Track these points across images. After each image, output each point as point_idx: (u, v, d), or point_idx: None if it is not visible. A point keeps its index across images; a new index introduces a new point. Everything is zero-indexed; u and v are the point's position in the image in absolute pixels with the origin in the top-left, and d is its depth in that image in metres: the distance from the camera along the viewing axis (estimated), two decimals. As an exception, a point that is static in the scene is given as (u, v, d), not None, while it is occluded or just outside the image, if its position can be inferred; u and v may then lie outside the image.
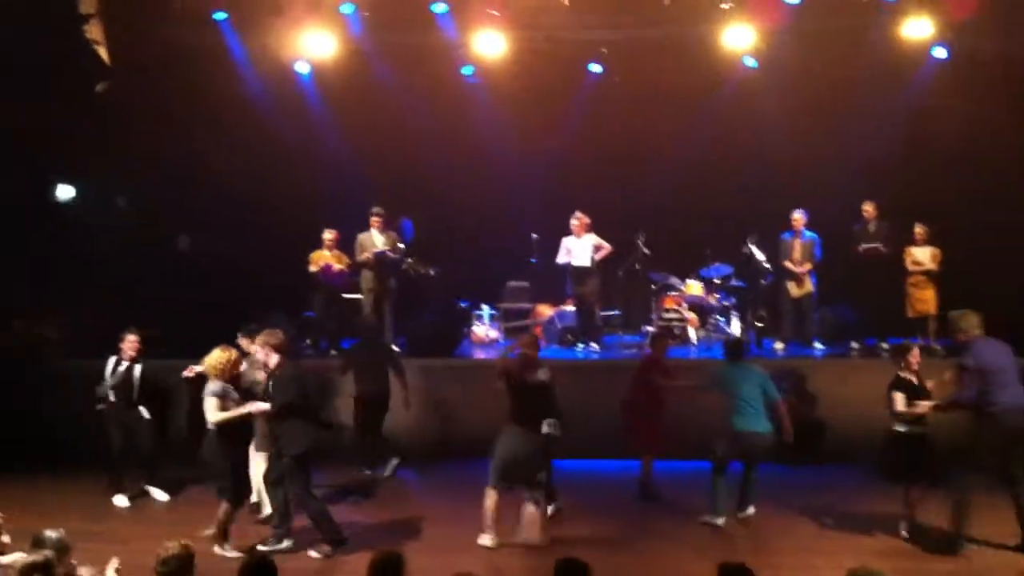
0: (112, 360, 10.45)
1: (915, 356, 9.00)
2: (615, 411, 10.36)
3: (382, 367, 11.28)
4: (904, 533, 8.86)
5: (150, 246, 14.65)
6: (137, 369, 10.47)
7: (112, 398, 10.38)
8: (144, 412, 10.56)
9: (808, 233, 13.37)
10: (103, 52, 14.06)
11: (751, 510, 9.49)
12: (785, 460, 11.41)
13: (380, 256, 13.25)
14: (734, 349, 9.91)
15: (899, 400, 8.74)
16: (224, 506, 8.59)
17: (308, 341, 13.79)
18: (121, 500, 10.36)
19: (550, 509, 9.27)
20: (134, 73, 14.15)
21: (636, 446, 10.36)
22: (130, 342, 10.41)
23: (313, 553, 8.58)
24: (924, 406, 8.68)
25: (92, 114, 13.87)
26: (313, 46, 14.19)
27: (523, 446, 8.63)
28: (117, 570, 5.91)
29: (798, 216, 13.36)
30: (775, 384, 9.67)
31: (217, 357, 8.65)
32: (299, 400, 8.57)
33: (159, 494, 10.56)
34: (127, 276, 13.94)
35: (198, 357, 9.80)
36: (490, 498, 8.73)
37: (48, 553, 5.34)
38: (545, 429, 8.79)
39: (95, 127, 13.86)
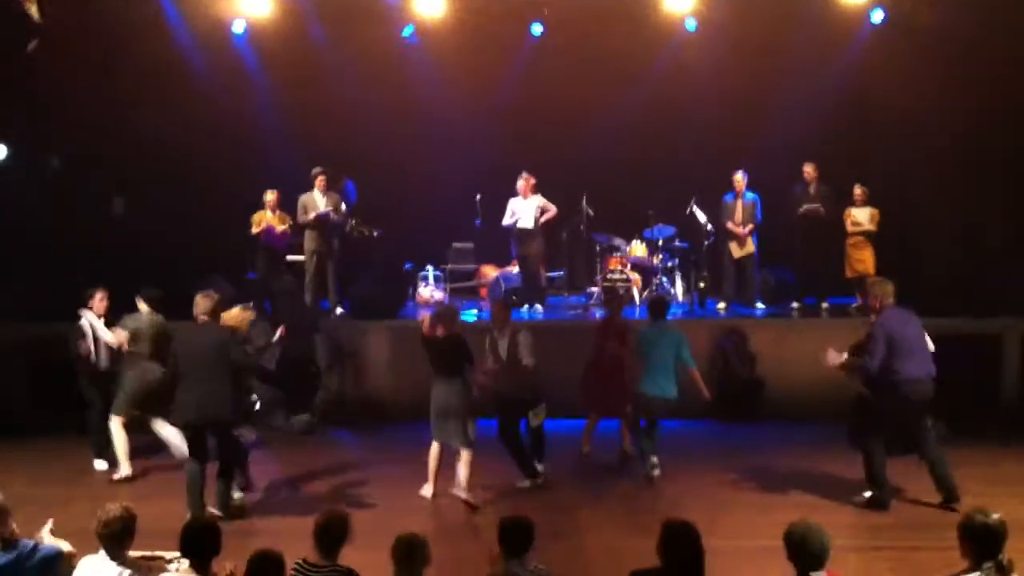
0: (87, 318, 10.11)
1: None
2: (559, 372, 10.39)
3: (307, 329, 11.31)
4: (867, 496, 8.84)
5: (84, 208, 14.35)
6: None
7: (93, 358, 10.15)
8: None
9: (750, 194, 13.47)
10: (33, 9, 13.65)
11: (656, 471, 9.63)
12: (724, 417, 11.68)
13: (323, 217, 13.12)
14: (655, 308, 10.01)
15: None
16: None
17: (251, 304, 13.61)
18: (101, 464, 10.20)
19: (527, 484, 9.37)
20: (65, 31, 13.77)
21: (601, 411, 10.36)
22: (99, 300, 10.13)
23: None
24: (834, 360, 8.74)
25: (22, 73, 13.51)
26: (248, 5, 13.91)
27: (440, 399, 8.82)
28: (51, 532, 5.83)
29: (739, 177, 13.44)
30: (689, 349, 9.78)
31: (234, 315, 9.02)
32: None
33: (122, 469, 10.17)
34: (61, 238, 13.65)
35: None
36: (432, 450, 8.99)
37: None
38: (532, 422, 9.26)
39: (26, 86, 13.51)
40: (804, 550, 4.85)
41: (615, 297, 11.05)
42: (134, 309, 10.10)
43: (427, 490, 9.04)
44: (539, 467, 9.52)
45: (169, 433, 9.69)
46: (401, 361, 12.25)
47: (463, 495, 8.77)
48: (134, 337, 9.87)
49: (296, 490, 9.41)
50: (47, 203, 13.92)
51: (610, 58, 14.76)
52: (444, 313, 9.24)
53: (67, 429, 10.69)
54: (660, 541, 4.98)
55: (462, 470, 8.82)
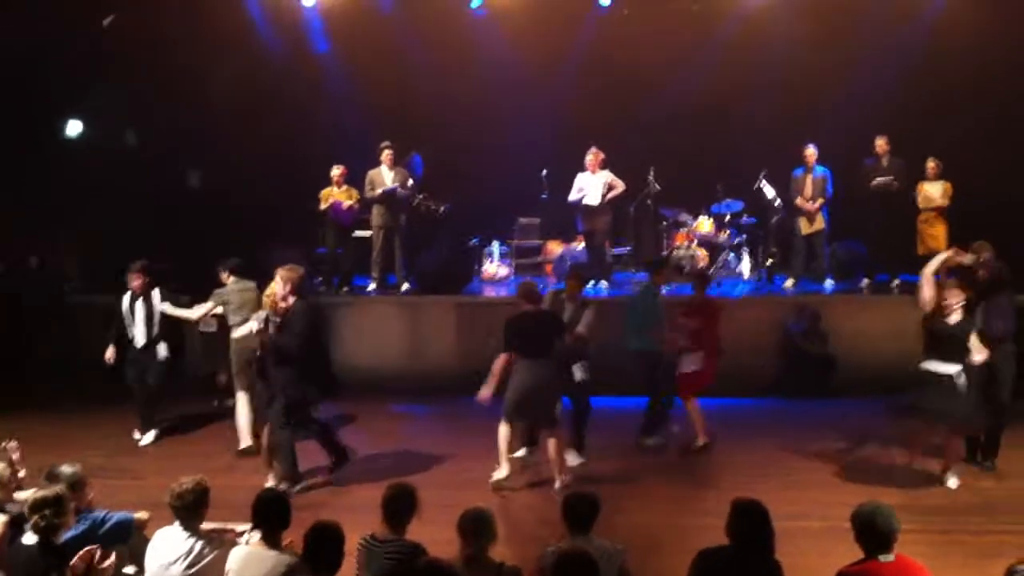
0: (127, 296, 10.40)
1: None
2: (624, 348, 10.35)
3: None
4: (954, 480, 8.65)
5: (160, 181, 14.63)
6: (153, 303, 10.38)
7: (130, 335, 10.41)
8: (162, 350, 10.49)
9: (820, 168, 13.23)
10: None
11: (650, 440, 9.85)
12: (791, 394, 11.57)
13: (390, 192, 13.19)
14: (654, 267, 10.25)
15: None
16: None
17: (320, 279, 13.82)
18: (147, 438, 10.46)
19: (575, 459, 9.32)
20: (140, 6, 14.01)
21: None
22: (133, 276, 10.31)
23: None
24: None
25: (100, 49, 13.78)
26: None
27: (527, 379, 8.57)
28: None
29: (810, 151, 13.21)
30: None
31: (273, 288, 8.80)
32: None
33: (147, 437, 10.48)
34: (139, 211, 13.94)
35: (207, 293, 10.05)
36: (502, 432, 8.76)
37: (61, 488, 5.39)
38: (578, 375, 9.04)
39: (103, 62, 13.78)
40: (872, 531, 4.82)
41: (700, 275, 10.68)
42: (213, 281, 10.28)
43: (502, 472, 8.81)
44: (575, 458, 9.40)
45: (243, 414, 9.89)
46: (464, 336, 12.32)
47: (560, 481, 8.66)
48: (225, 307, 10.06)
49: (364, 464, 9.49)
50: (123, 177, 14.22)
51: (678, 30, 14.63)
52: (531, 289, 8.99)
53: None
54: (729, 520, 4.98)
55: (554, 453, 8.74)
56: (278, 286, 8.64)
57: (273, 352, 8.55)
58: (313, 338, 8.85)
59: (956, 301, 8.28)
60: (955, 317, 8.29)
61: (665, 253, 14.14)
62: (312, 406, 8.90)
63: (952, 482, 8.57)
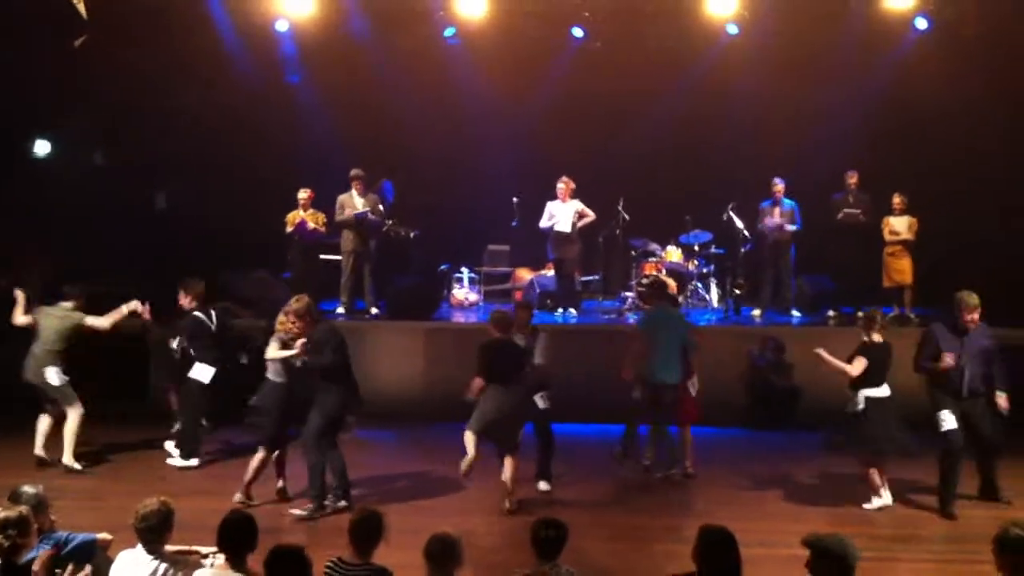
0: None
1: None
2: (593, 376, 10.39)
3: None
4: (884, 500, 8.88)
5: (127, 203, 14.52)
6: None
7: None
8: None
9: (787, 201, 13.40)
10: (81, 6, 13.85)
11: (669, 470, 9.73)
12: (757, 425, 11.65)
13: (361, 217, 13.19)
14: (658, 291, 10.13)
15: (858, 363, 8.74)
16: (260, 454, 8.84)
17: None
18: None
19: (544, 486, 9.40)
20: (112, 28, 13.95)
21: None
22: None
23: (295, 511, 8.62)
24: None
25: (70, 69, 13.70)
26: (292, 4, 14.06)
27: (496, 405, 8.66)
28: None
29: (778, 185, 13.38)
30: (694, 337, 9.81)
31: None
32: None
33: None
34: (104, 233, 13.82)
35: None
36: (469, 438, 8.76)
37: (24, 508, 5.32)
38: (540, 404, 9.14)
39: (72, 82, 13.71)
40: (831, 560, 4.82)
41: (673, 299, 10.64)
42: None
43: (466, 465, 8.75)
44: (544, 485, 9.46)
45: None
46: (432, 361, 12.30)
47: (508, 503, 8.75)
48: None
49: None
50: (90, 198, 14.10)
51: (650, 63, 14.78)
52: (503, 318, 9.08)
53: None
54: (696, 546, 4.97)
55: (509, 474, 8.77)
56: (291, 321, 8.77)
57: (312, 373, 8.70)
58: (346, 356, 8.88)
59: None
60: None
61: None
62: (348, 425, 9.09)
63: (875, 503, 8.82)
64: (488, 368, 8.74)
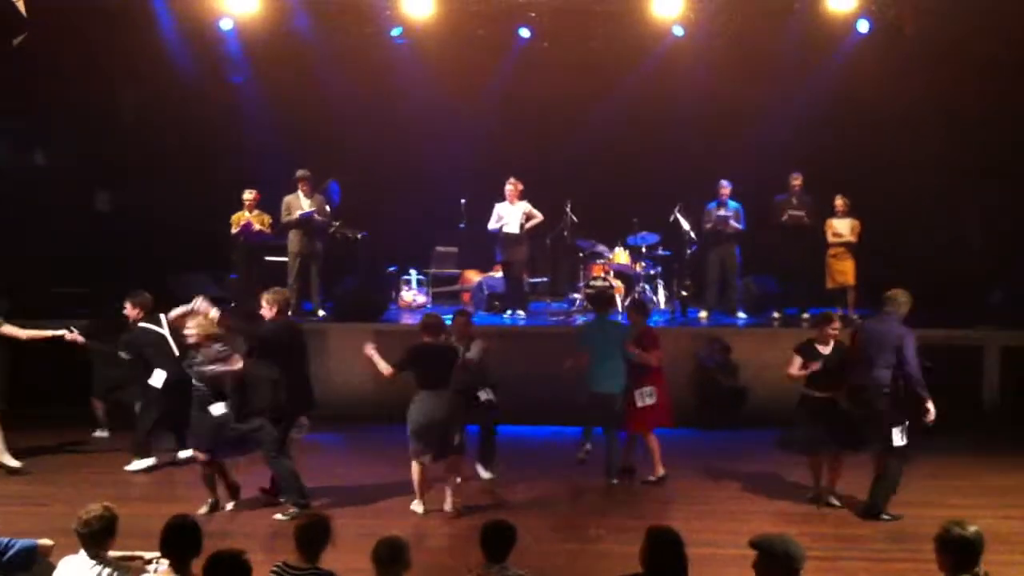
0: None
1: (834, 327, 9.00)
2: (542, 378, 10.38)
3: None
4: (834, 501, 9.00)
5: (69, 202, 14.28)
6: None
7: None
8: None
9: (733, 203, 13.51)
10: (20, 4, 13.58)
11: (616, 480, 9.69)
12: (705, 425, 11.74)
13: (307, 217, 13.08)
14: (599, 302, 10.09)
15: (794, 363, 8.89)
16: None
17: (232, 304, 13.59)
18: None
19: (485, 474, 9.51)
20: (53, 26, 13.70)
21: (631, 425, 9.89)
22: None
23: (278, 516, 8.56)
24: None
25: (9, 67, 13.43)
26: (236, 2, 13.88)
27: (431, 410, 8.55)
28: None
29: (725, 186, 13.48)
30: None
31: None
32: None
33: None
34: (47, 232, 13.57)
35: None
36: (415, 470, 8.69)
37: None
38: (483, 396, 9.18)
39: (12, 81, 13.43)
40: (777, 560, 4.85)
41: (634, 308, 10.52)
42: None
43: (419, 506, 8.76)
44: (484, 472, 9.62)
45: None
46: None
47: (451, 504, 8.73)
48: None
49: (276, 494, 9.32)
50: (30, 198, 13.85)
51: (597, 64, 14.83)
52: (434, 322, 8.99)
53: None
54: (644, 547, 4.99)
55: (451, 474, 8.76)
56: (264, 309, 8.81)
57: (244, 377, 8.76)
58: (289, 356, 8.82)
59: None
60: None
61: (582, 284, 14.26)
62: (296, 426, 8.96)
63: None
64: (418, 373, 8.67)
